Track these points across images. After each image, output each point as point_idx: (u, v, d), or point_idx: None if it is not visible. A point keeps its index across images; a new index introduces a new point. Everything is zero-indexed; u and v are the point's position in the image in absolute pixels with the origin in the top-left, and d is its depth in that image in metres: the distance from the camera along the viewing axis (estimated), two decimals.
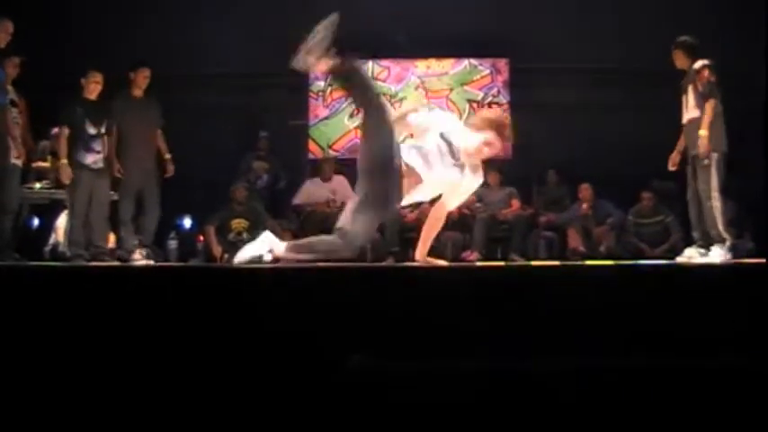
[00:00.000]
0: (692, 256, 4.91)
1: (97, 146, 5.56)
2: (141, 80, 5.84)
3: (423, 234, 3.59)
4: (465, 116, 7.94)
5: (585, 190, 6.97)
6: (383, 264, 5.82)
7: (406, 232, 6.34)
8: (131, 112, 5.80)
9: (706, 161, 4.79)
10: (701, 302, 2.31)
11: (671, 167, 5.23)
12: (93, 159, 5.52)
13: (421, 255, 3.57)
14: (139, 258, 5.60)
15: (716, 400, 1.83)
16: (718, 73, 4.87)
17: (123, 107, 5.79)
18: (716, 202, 4.74)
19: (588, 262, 5.95)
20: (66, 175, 5.43)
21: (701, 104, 4.85)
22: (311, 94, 8.05)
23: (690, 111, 4.96)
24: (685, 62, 5.01)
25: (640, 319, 2.27)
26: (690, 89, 4.95)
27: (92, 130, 5.53)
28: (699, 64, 4.89)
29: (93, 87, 5.56)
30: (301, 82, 7.93)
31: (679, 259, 5.05)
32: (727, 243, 4.72)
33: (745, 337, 2.17)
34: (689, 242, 5.23)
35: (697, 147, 4.82)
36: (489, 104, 7.85)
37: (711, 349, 2.05)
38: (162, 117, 6.02)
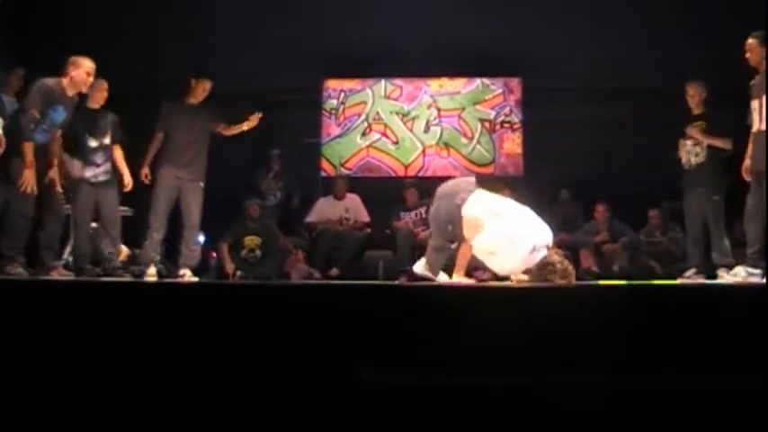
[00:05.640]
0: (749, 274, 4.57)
1: (98, 159, 5.25)
2: (199, 91, 5.59)
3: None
4: (477, 135, 8.00)
5: (600, 212, 6.93)
6: (395, 282, 5.81)
7: (418, 250, 6.34)
8: (177, 119, 5.51)
9: None
10: (715, 322, 2.30)
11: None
12: (92, 173, 5.22)
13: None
14: (153, 275, 5.39)
15: (726, 419, 1.82)
16: None
17: (170, 112, 5.50)
18: None
19: (601, 282, 5.91)
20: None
21: None
22: (324, 112, 8.09)
23: None
24: (761, 58, 4.62)
25: (652, 339, 2.26)
26: None
27: (92, 143, 5.24)
28: None
29: (99, 96, 5.26)
30: (314, 100, 8.00)
31: (735, 279, 4.67)
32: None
33: (760, 357, 2.15)
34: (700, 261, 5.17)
35: None
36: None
37: (724, 369, 2.04)
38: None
